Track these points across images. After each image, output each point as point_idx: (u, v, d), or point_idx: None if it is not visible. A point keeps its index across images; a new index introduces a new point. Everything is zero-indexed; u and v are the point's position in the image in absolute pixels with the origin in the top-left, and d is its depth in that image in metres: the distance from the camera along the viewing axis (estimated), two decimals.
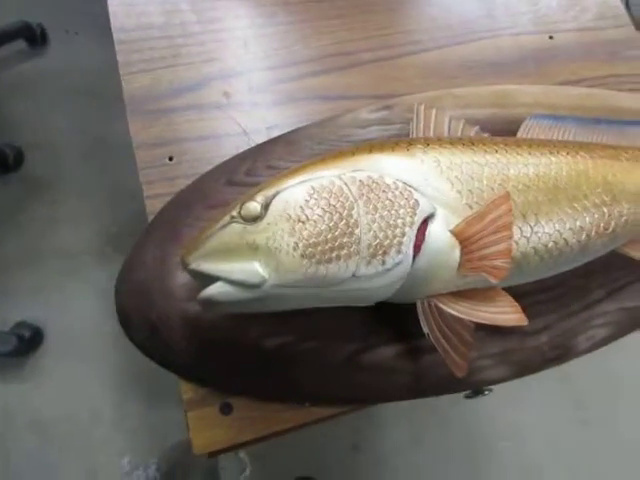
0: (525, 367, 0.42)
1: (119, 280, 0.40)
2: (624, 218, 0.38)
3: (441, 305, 0.34)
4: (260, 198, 0.33)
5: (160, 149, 0.46)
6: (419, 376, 0.40)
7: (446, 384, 0.40)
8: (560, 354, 0.43)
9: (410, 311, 0.36)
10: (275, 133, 0.48)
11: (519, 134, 0.44)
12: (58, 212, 1.23)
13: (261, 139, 0.47)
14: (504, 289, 0.36)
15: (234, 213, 0.33)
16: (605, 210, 0.38)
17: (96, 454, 1.05)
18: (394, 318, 0.39)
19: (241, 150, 0.46)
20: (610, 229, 0.38)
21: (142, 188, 0.44)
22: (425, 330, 0.35)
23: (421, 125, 0.42)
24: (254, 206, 0.32)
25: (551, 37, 0.58)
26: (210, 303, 0.32)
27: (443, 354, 0.36)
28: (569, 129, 0.45)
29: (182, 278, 0.39)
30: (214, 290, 0.32)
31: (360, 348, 0.40)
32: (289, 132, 0.46)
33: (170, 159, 0.46)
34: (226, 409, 0.39)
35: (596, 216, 0.37)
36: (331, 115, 0.48)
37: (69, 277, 1.19)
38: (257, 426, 0.39)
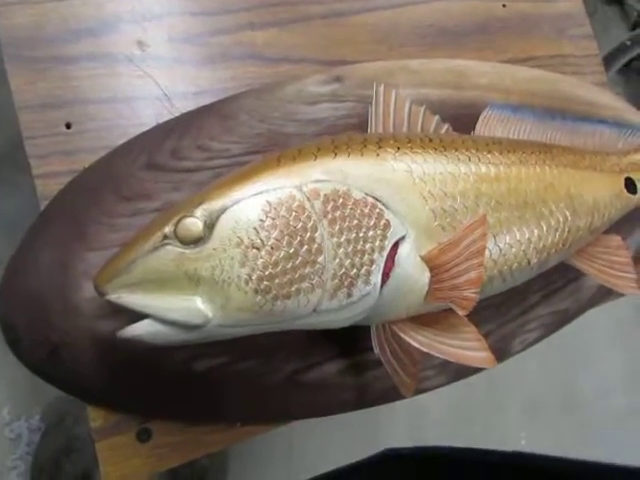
0: (462, 374, 0.41)
1: (3, 285, 0.32)
2: (580, 233, 0.37)
3: (400, 333, 0.31)
4: (201, 213, 0.26)
5: (53, 112, 0.35)
6: (363, 390, 0.38)
7: (390, 395, 0.38)
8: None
9: (355, 327, 0.33)
10: (206, 99, 0.39)
11: (479, 126, 0.40)
12: None
13: (188, 106, 0.39)
14: None
15: (167, 231, 0.26)
16: (566, 227, 0.36)
17: None
18: (338, 334, 0.36)
19: (162, 120, 0.37)
20: (567, 245, 0.36)
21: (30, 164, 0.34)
22: (376, 351, 0.32)
23: (380, 111, 0.36)
24: (194, 224, 0.25)
25: (504, 5, 0.54)
26: (137, 342, 0.26)
27: (392, 374, 0.33)
28: (526, 123, 0.42)
29: (90, 290, 0.31)
30: (141, 330, 0.25)
31: (301, 367, 0.36)
32: (223, 101, 0.38)
33: (67, 126, 0.36)
34: (144, 436, 0.34)
35: (558, 234, 0.35)
36: (272, 82, 0.40)
37: None
38: (181, 451, 0.35)
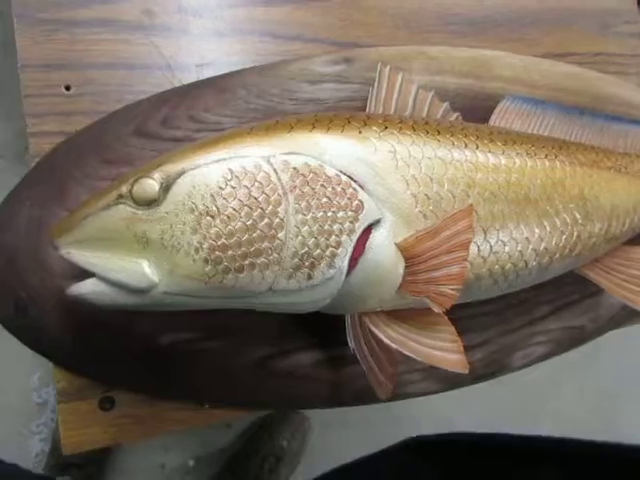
0: (453, 383, 0.39)
1: None
2: (593, 240, 0.34)
3: (372, 327, 0.29)
4: (159, 175, 0.25)
5: (54, 74, 0.36)
6: (338, 386, 0.35)
7: (367, 396, 0.36)
8: (492, 371, 0.39)
9: (333, 316, 0.31)
10: (209, 73, 0.39)
11: (493, 117, 0.38)
12: None
13: (190, 78, 0.38)
14: None
15: (123, 190, 0.25)
16: (575, 231, 0.32)
17: (5, 369, 0.99)
18: (316, 322, 0.34)
19: (163, 89, 0.37)
20: (575, 252, 0.33)
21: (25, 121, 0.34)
22: (351, 345, 0.30)
23: (382, 92, 0.34)
24: (150, 185, 0.25)
25: None
26: (82, 301, 0.25)
27: (368, 373, 0.31)
28: (548, 118, 0.39)
29: None
30: (87, 288, 0.25)
31: (274, 352, 0.34)
32: (223, 75, 0.37)
33: (67, 88, 0.36)
34: (107, 404, 0.33)
35: (564, 237, 0.32)
36: (280, 60, 0.39)
37: None
38: (143, 426, 0.34)
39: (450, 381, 0.38)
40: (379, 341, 0.30)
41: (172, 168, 0.25)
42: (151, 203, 0.24)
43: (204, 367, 0.33)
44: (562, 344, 0.41)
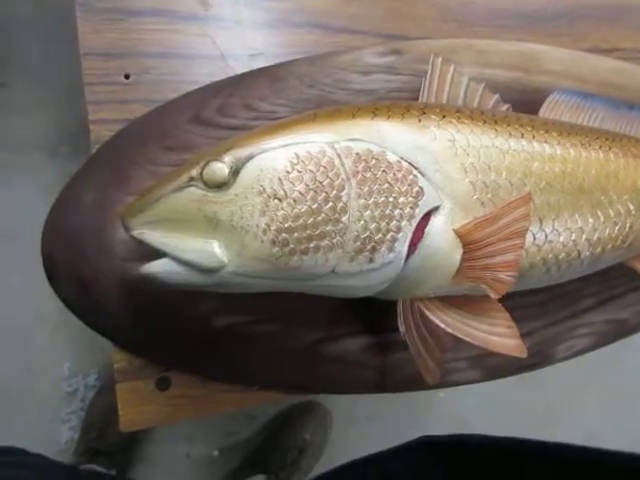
0: (498, 372, 0.39)
1: (49, 219, 0.33)
2: None
3: (427, 312, 0.29)
4: (229, 159, 0.26)
5: (114, 62, 0.37)
6: (386, 372, 0.36)
7: (414, 382, 0.36)
8: (537, 362, 0.40)
9: (383, 302, 0.31)
10: (259, 63, 0.39)
11: (542, 110, 0.38)
12: (7, 97, 1.09)
13: (242, 68, 0.39)
14: None
15: (194, 173, 0.26)
16: (628, 222, 0.33)
17: (37, 357, 1.02)
18: (366, 308, 0.34)
19: (216, 79, 0.37)
20: (627, 243, 0.33)
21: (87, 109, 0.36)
22: (402, 330, 0.31)
23: (435, 83, 0.35)
24: (220, 169, 0.25)
25: None
26: (153, 280, 0.26)
27: (416, 358, 0.31)
28: (597, 112, 0.39)
29: (124, 232, 0.32)
30: (159, 268, 0.25)
31: (324, 337, 0.35)
32: (276, 65, 0.38)
33: (126, 77, 0.37)
34: (163, 384, 0.34)
35: (617, 228, 0.32)
36: (330, 51, 0.40)
37: (14, 172, 1.08)
38: (196, 406, 0.35)
39: (495, 370, 0.39)
40: (430, 326, 0.30)
41: (241, 152, 0.26)
42: (221, 186, 0.25)
43: (256, 349, 0.34)
44: (605, 337, 0.41)
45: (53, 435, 0.96)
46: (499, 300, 0.29)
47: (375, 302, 0.32)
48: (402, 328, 0.31)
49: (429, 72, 0.35)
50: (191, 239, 0.25)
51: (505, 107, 0.36)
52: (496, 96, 0.36)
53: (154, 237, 0.25)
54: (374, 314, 0.35)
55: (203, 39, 0.39)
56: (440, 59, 0.35)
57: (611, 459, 0.41)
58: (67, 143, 1.05)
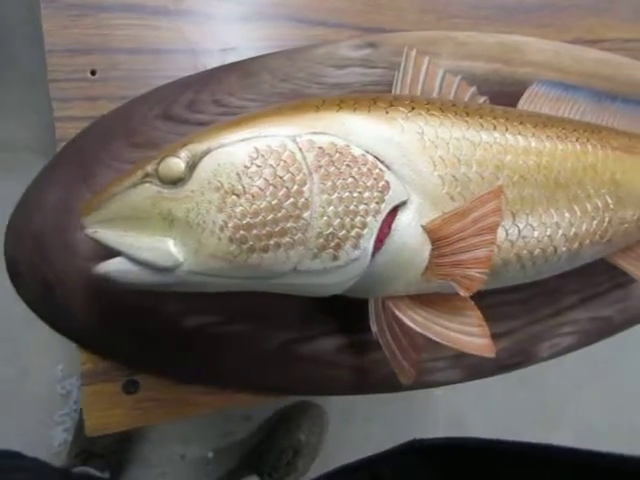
0: (478, 371, 0.38)
1: (12, 220, 0.33)
2: (625, 226, 0.33)
3: (396, 311, 0.28)
4: (185, 154, 0.25)
5: (80, 58, 0.36)
6: (363, 373, 0.35)
7: (393, 383, 0.35)
8: (519, 361, 0.39)
9: (357, 302, 0.30)
10: (232, 58, 0.38)
11: (522, 102, 0.37)
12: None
13: (214, 63, 0.38)
14: None
15: (149, 169, 0.25)
16: (606, 216, 0.32)
17: (30, 359, 1.01)
18: (340, 307, 0.33)
19: (188, 74, 0.37)
20: (606, 238, 0.32)
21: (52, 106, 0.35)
22: (374, 329, 0.30)
23: (408, 76, 0.34)
24: (176, 164, 0.24)
25: None
26: (108, 280, 0.25)
27: (390, 358, 0.30)
28: (579, 104, 0.38)
29: None
30: (113, 267, 0.25)
31: (298, 337, 0.34)
32: (248, 60, 0.37)
33: (93, 73, 0.36)
34: (131, 387, 0.33)
35: (595, 222, 0.31)
36: (305, 45, 0.39)
37: (5, 172, 1.07)
38: (166, 409, 0.34)
39: (475, 370, 0.38)
40: (402, 326, 0.29)
41: (198, 147, 0.25)
42: (177, 182, 0.24)
43: (228, 351, 0.33)
44: (590, 335, 0.40)
45: (47, 437, 0.95)
46: (475, 298, 0.29)
47: (350, 301, 0.31)
48: (374, 328, 0.30)
49: (402, 64, 0.34)
50: (146, 237, 0.24)
51: (482, 99, 0.35)
52: (473, 88, 0.35)
53: (108, 236, 0.25)
54: (349, 313, 0.34)
55: (174, 34, 0.38)
56: (414, 51, 0.34)
57: (602, 460, 0.40)
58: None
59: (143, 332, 0.32)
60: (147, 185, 0.25)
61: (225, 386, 0.35)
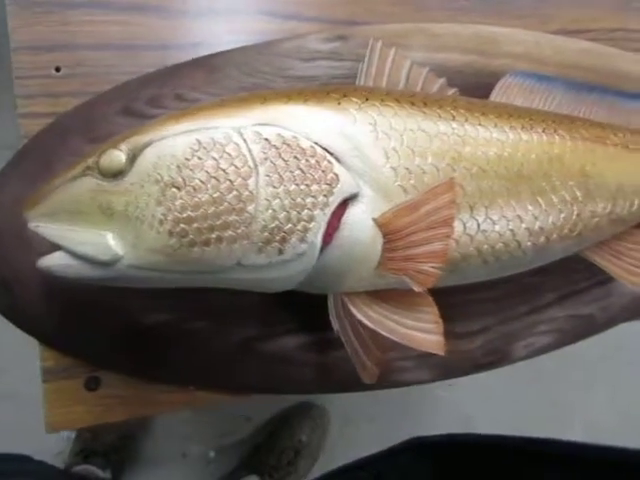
0: (449, 371, 0.37)
1: None
2: (595, 220, 0.31)
3: (351, 307, 0.28)
4: (126, 146, 0.24)
5: (46, 55, 0.36)
6: (325, 371, 0.34)
7: (357, 381, 0.35)
8: (493, 360, 0.38)
9: (320, 298, 0.30)
10: (203, 52, 0.38)
11: (494, 94, 0.36)
12: None
13: (182, 58, 0.38)
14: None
15: (90, 162, 0.24)
16: (575, 209, 0.30)
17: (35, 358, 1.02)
18: (302, 304, 0.33)
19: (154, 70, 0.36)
20: (576, 232, 0.31)
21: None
22: (335, 327, 0.29)
23: (373, 68, 0.33)
24: (117, 156, 0.24)
25: None
26: (49, 274, 0.25)
27: (352, 356, 0.30)
28: (554, 94, 0.36)
29: None
30: (53, 261, 0.24)
31: (258, 334, 0.33)
32: (214, 54, 0.36)
33: (57, 70, 0.36)
34: (92, 384, 0.33)
35: (562, 216, 0.30)
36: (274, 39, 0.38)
37: None
38: (128, 407, 0.34)
39: (446, 370, 0.37)
40: (361, 322, 0.29)
41: (140, 139, 0.24)
42: (117, 174, 0.24)
43: (188, 348, 0.33)
44: (568, 334, 0.39)
45: (49, 436, 0.96)
46: (442, 295, 0.28)
47: (312, 297, 0.30)
48: (335, 325, 0.29)
49: (367, 56, 0.33)
50: (85, 231, 0.24)
51: (452, 91, 0.34)
52: (441, 80, 0.34)
53: (49, 230, 0.24)
54: (312, 310, 0.33)
55: (141, 29, 0.38)
56: (380, 42, 0.33)
57: (604, 454, 0.39)
58: None
59: (102, 329, 0.32)
60: (88, 178, 0.24)
61: (186, 384, 0.34)
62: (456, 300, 0.37)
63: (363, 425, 1.04)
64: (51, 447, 0.93)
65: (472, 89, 0.36)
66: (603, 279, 0.39)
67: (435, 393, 1.08)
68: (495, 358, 0.37)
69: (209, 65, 0.36)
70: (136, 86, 0.35)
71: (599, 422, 1.09)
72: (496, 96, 0.36)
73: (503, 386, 1.09)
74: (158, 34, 0.38)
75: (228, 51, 0.37)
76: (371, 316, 0.27)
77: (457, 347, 0.36)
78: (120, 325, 0.32)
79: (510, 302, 0.37)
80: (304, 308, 0.33)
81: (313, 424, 0.96)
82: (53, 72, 0.36)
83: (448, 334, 0.35)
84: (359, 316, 0.27)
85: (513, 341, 0.38)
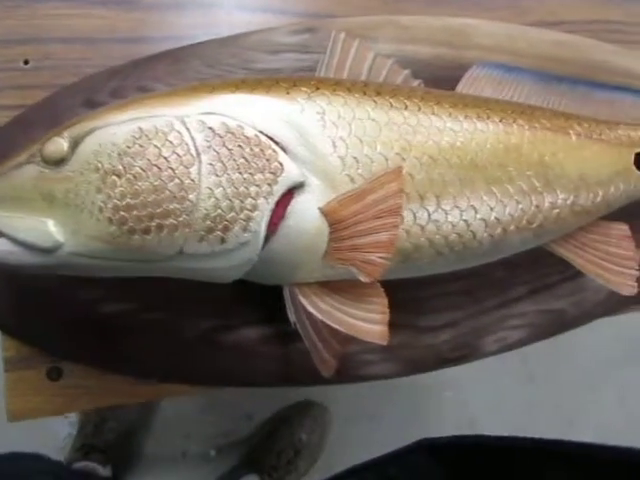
0: (416, 365, 0.37)
1: None
2: (556, 211, 0.31)
3: (301, 298, 0.27)
4: (68, 134, 0.24)
5: (14, 48, 0.36)
6: (288, 363, 0.34)
7: (320, 374, 0.34)
8: (462, 355, 0.37)
9: (280, 290, 0.29)
10: (172, 46, 0.38)
11: (461, 85, 0.35)
12: None
13: (154, 51, 0.38)
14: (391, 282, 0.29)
15: (34, 149, 0.25)
16: (533, 199, 0.30)
17: None
18: (262, 296, 0.33)
19: (121, 64, 0.36)
20: (535, 224, 0.30)
21: None
22: (292, 319, 0.29)
23: (334, 60, 0.33)
24: (59, 144, 0.24)
25: None
26: None
27: (310, 349, 0.29)
28: (523, 85, 0.36)
29: None
30: None
31: (218, 326, 0.33)
32: (180, 47, 0.37)
33: (25, 62, 0.36)
34: (54, 374, 0.33)
35: (520, 206, 0.30)
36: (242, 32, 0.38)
37: None
38: (91, 396, 0.34)
39: (413, 364, 0.36)
40: (310, 314, 0.28)
41: (83, 127, 0.25)
42: (59, 162, 0.24)
43: (147, 339, 0.33)
44: (539, 329, 0.38)
45: (53, 430, 0.96)
46: (384, 283, 0.27)
47: (273, 288, 0.30)
48: (292, 317, 0.29)
49: (329, 47, 0.33)
50: (27, 218, 0.24)
51: (416, 83, 0.34)
52: (406, 72, 0.34)
53: None
54: (273, 302, 0.33)
55: (109, 22, 0.38)
56: (343, 34, 0.33)
57: (618, 454, 0.38)
58: None
59: (61, 319, 0.32)
60: (31, 166, 0.24)
61: (145, 376, 0.34)
62: (425, 294, 0.37)
63: (364, 424, 1.04)
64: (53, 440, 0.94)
65: (442, 81, 0.36)
66: (575, 274, 0.38)
67: (439, 393, 1.07)
68: (464, 352, 0.37)
69: (173, 57, 0.36)
70: (101, 78, 0.35)
71: (608, 424, 1.07)
72: (463, 87, 0.35)
73: (507, 387, 1.08)
74: (127, 27, 0.39)
75: (195, 44, 0.37)
76: (320, 307, 0.27)
77: (422, 341, 0.36)
78: (78, 315, 0.32)
79: (480, 296, 0.37)
80: (264, 299, 0.33)
81: (313, 423, 0.96)
82: (21, 65, 0.36)
83: (410, 328, 0.35)
84: (309, 307, 0.27)
85: (483, 335, 0.37)
